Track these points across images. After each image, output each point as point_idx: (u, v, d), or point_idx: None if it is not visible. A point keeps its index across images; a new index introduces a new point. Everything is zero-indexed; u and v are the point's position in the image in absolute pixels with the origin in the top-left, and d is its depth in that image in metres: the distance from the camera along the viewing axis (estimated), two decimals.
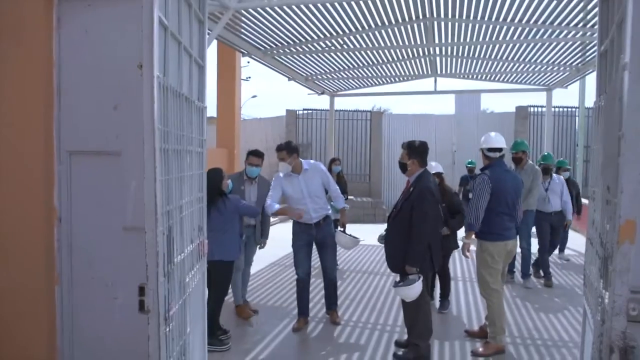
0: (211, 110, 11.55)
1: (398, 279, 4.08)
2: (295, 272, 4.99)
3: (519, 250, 5.88)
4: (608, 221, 1.48)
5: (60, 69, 2.67)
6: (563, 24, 6.89)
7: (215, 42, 7.95)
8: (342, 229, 5.13)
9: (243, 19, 6.67)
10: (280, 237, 10.83)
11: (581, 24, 6.75)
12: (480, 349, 4.29)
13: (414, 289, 3.91)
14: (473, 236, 4.39)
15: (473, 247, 4.46)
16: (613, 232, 1.33)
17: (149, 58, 1.53)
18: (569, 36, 7.29)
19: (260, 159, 5.00)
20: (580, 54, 8.23)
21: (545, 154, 7.59)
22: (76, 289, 2.79)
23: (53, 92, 2.67)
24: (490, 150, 4.44)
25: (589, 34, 7.01)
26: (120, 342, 2.61)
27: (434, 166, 5.21)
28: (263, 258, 8.14)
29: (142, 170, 1.65)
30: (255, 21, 6.78)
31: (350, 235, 5.05)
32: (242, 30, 7.21)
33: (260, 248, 5.42)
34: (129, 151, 2.55)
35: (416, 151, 4.13)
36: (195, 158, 2.41)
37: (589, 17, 6.66)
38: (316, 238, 4.90)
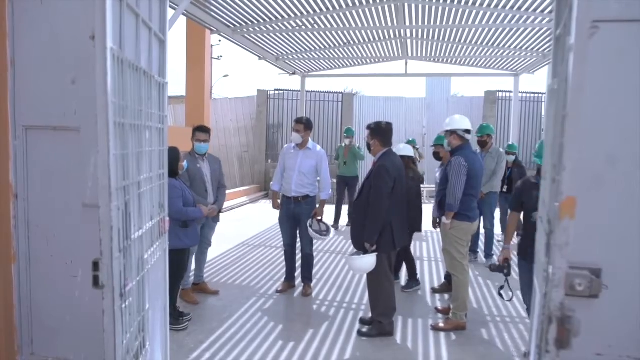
0: (182, 89, 11.34)
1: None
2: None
3: (482, 230, 6.06)
4: (553, 198, 1.54)
5: (15, 40, 2.56)
6: (530, 10, 6.98)
7: (184, 18, 7.75)
8: (318, 219, 5.27)
9: None
10: (249, 217, 10.89)
11: (548, 10, 6.84)
12: (441, 324, 4.43)
13: (364, 262, 4.00)
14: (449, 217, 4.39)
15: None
16: (556, 209, 1.39)
17: (102, 29, 1.50)
18: (536, 22, 7.41)
19: (207, 135, 4.98)
20: (547, 40, 8.36)
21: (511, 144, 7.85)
22: (34, 267, 2.73)
23: (7, 65, 2.57)
24: (465, 131, 4.49)
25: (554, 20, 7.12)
26: (80, 320, 2.58)
27: (401, 149, 5.26)
28: (231, 238, 8.15)
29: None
30: None
31: (323, 225, 5.26)
32: (211, 7, 7.05)
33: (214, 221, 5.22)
34: (89, 127, 2.47)
35: (378, 131, 4.22)
36: (155, 134, 2.37)
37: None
38: (293, 212, 5.24)
